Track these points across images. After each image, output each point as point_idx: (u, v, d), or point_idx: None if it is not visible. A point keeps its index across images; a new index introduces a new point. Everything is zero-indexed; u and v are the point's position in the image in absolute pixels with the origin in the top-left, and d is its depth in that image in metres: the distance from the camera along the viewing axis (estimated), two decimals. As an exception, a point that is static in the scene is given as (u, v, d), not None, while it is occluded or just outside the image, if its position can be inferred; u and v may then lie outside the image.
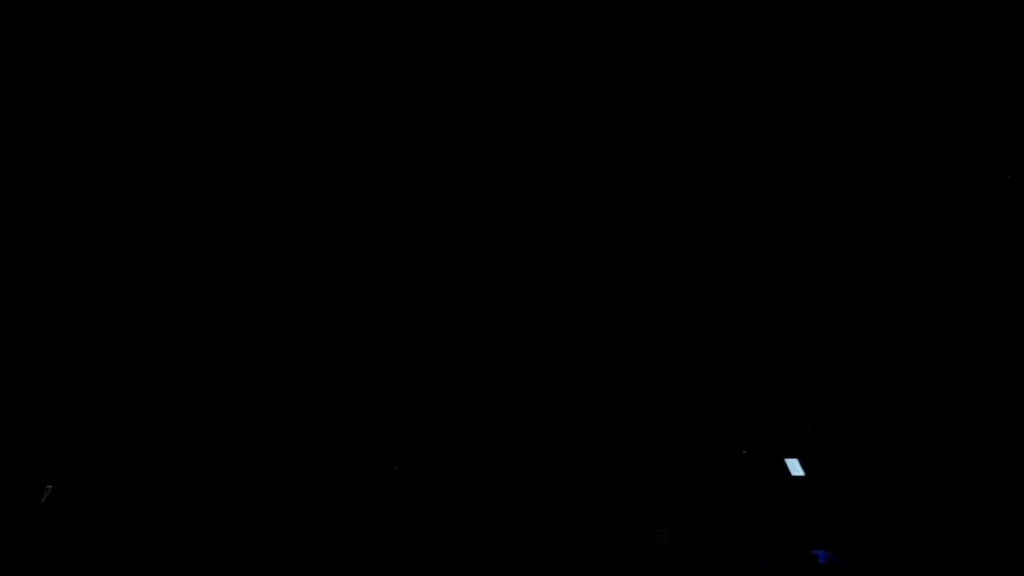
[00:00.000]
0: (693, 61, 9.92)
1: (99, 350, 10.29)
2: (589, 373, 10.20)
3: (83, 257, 10.29)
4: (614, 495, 9.77)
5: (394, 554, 9.71)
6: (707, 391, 9.97)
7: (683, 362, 10.06)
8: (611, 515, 9.67)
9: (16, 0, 10.15)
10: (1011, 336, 9.50)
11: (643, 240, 10.19)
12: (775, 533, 9.41)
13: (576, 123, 10.17)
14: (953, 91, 9.50)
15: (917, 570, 9.12)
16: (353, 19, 10.21)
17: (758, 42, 9.78)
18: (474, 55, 10.15)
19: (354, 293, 10.39)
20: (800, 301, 9.95)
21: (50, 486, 9.69)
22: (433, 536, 9.74)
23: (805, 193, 9.94)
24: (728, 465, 9.65)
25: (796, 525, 9.42)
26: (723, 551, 9.36)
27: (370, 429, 10.19)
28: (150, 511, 9.84)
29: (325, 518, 9.86)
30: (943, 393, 9.57)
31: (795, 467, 9.51)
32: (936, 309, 9.70)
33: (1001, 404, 9.41)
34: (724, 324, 10.02)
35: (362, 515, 9.88)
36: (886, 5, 9.49)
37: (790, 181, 9.98)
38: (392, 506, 9.91)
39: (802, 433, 9.60)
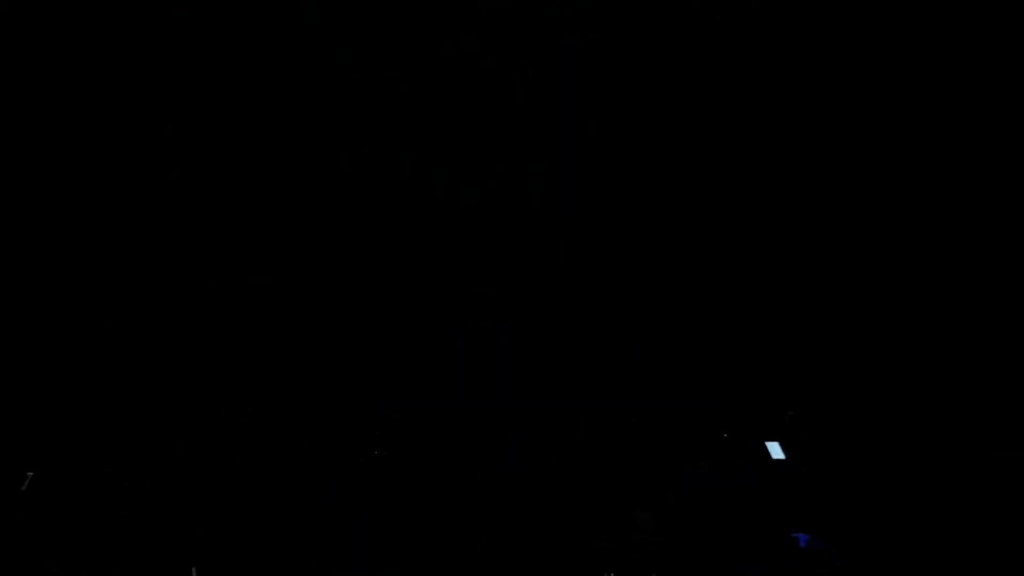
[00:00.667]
0: (693, 61, 9.91)
1: (99, 350, 10.28)
2: (589, 373, 10.20)
3: (83, 257, 10.28)
4: (613, 494, 9.78)
5: (394, 554, 9.71)
6: (703, 388, 9.97)
7: (683, 362, 10.05)
8: (610, 513, 9.68)
9: (16, 0, 10.16)
10: (1005, 330, 9.51)
11: (643, 240, 10.18)
12: (771, 529, 9.43)
13: (576, 123, 10.16)
14: (953, 91, 9.50)
15: (909, 560, 9.16)
16: (353, 19, 10.21)
17: (758, 42, 9.77)
18: (474, 55, 10.15)
19: (354, 293, 10.38)
20: (798, 298, 9.94)
21: (31, 473, 9.66)
22: (433, 536, 9.74)
23: (802, 192, 9.93)
24: (722, 461, 9.66)
25: (790, 520, 9.45)
26: (720, 548, 9.38)
27: (370, 429, 10.19)
28: (150, 511, 9.85)
29: (325, 518, 9.86)
30: (938, 388, 9.58)
31: (776, 450, 9.51)
32: (930, 304, 9.70)
33: (996, 399, 9.42)
34: (721, 321, 10.01)
35: (362, 515, 9.88)
36: (886, 5, 9.50)
37: (786, 181, 9.96)
38: (392, 506, 9.91)
39: (786, 417, 9.60)
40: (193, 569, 9.51)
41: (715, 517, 9.49)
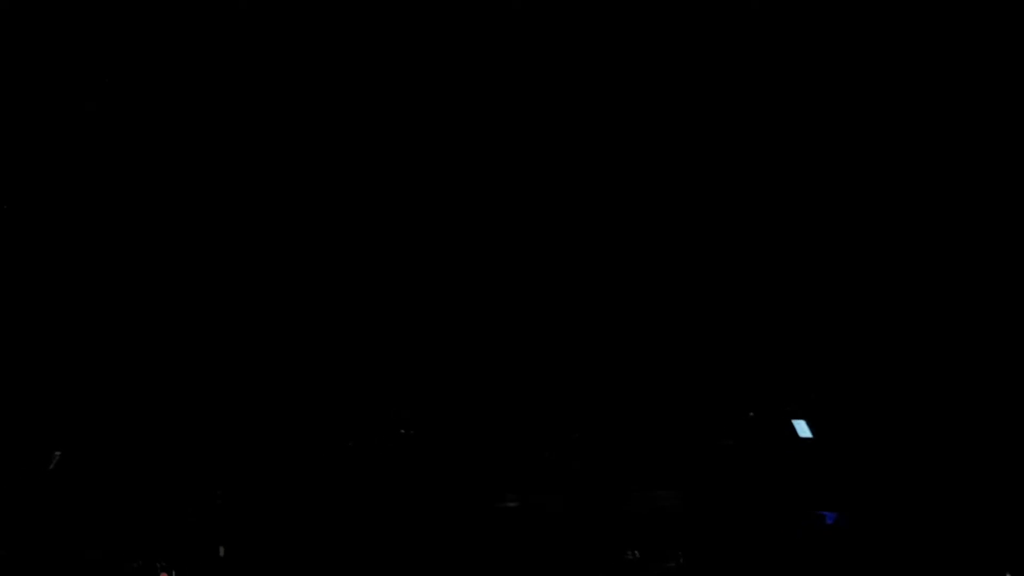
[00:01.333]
0: (693, 61, 9.99)
1: (109, 351, 10.22)
2: (616, 352, 10.21)
3: (91, 257, 10.21)
4: (638, 472, 9.81)
5: (394, 554, 9.72)
6: (718, 360, 10.06)
7: (710, 343, 10.11)
8: (634, 491, 9.73)
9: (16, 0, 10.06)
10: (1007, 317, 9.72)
11: (643, 240, 10.25)
12: (783, 494, 9.52)
13: (576, 123, 10.23)
14: (953, 91, 9.72)
15: (921, 529, 9.29)
16: (352, 19, 10.22)
17: (758, 42, 9.88)
18: (474, 54, 10.17)
19: (356, 294, 10.37)
20: (825, 284, 10.01)
21: (58, 452, 9.64)
22: (433, 537, 9.76)
23: (804, 189, 10.03)
24: (748, 440, 9.72)
25: (804, 486, 9.55)
26: (745, 527, 9.46)
27: (377, 430, 10.20)
28: (151, 510, 9.81)
29: (325, 519, 9.86)
30: (949, 363, 9.75)
31: (803, 428, 9.62)
32: (938, 290, 9.84)
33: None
34: (749, 305, 10.06)
35: (363, 516, 9.89)
36: (886, 5, 9.66)
37: (787, 180, 10.08)
38: (394, 506, 9.92)
39: (809, 394, 9.68)
40: (220, 548, 9.52)
41: (740, 495, 9.58)
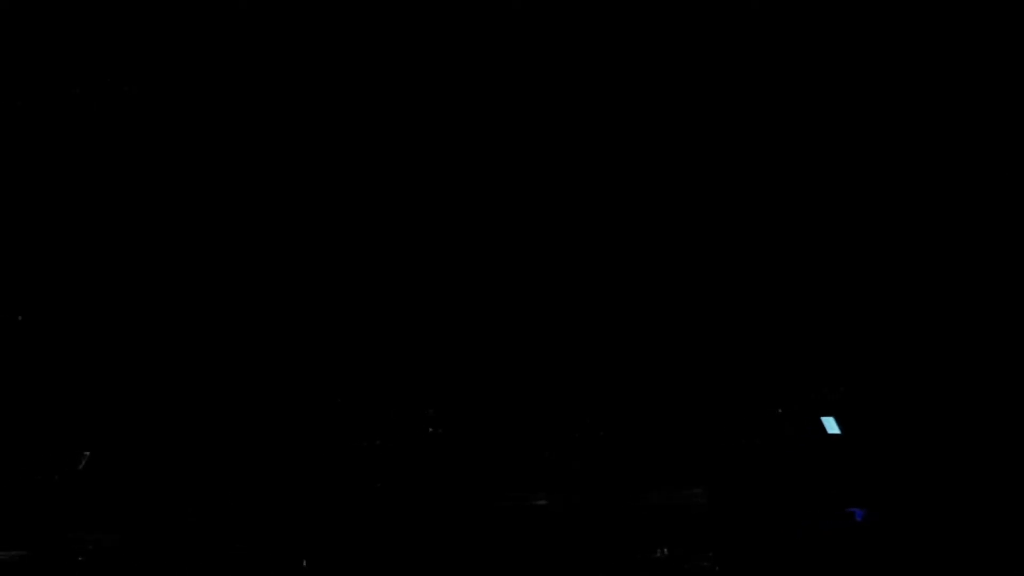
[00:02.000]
0: (693, 61, 9.96)
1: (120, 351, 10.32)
2: (644, 347, 10.18)
3: (102, 258, 10.32)
4: (666, 470, 9.79)
5: (394, 554, 9.74)
6: (744, 354, 9.97)
7: (721, 327, 10.03)
8: (662, 489, 9.72)
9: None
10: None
11: (644, 239, 10.20)
12: (811, 491, 9.47)
13: (576, 123, 10.19)
14: (953, 91, 9.57)
15: (953, 527, 9.18)
16: (352, 19, 10.25)
17: (758, 42, 9.83)
18: (473, 54, 10.19)
19: (357, 294, 10.41)
20: (851, 276, 9.90)
21: (87, 453, 9.79)
22: (434, 536, 9.78)
23: (828, 181, 9.93)
24: (765, 426, 9.68)
25: (833, 483, 9.50)
26: (761, 510, 9.42)
27: (381, 430, 10.24)
28: (152, 510, 9.90)
29: (325, 518, 9.90)
30: (976, 355, 9.60)
31: (831, 425, 9.57)
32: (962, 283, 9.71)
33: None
34: (773, 298, 9.97)
35: (364, 515, 9.92)
36: (886, 5, 9.56)
37: (808, 173, 9.98)
38: (395, 507, 9.95)
39: (837, 390, 9.63)
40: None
41: (768, 492, 9.52)
